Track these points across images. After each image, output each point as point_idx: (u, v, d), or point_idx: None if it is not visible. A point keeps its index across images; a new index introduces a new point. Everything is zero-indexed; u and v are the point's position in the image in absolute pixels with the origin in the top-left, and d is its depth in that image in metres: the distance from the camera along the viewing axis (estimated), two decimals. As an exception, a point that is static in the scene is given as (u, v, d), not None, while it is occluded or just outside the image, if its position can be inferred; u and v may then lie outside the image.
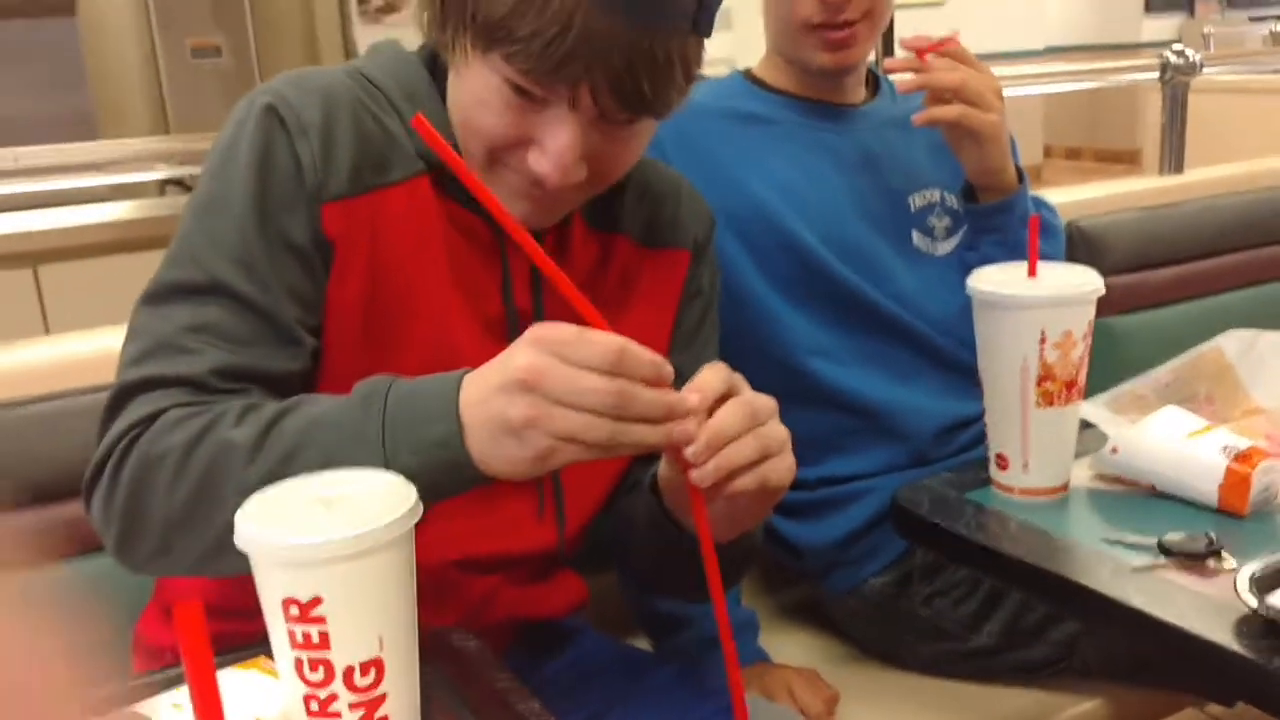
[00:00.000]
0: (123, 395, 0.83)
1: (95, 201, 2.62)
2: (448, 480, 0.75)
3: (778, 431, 0.79)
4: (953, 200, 1.37)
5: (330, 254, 0.88)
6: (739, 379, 0.78)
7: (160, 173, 1.81)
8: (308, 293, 0.88)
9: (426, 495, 0.70)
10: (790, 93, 1.37)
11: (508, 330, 0.96)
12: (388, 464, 0.74)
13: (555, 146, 0.86)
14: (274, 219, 0.86)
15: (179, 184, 2.78)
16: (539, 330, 0.72)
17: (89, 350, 1.18)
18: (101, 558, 1.15)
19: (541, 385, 0.70)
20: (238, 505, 0.75)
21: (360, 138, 0.89)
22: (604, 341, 0.71)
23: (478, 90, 0.86)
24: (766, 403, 0.79)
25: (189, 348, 0.83)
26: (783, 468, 0.79)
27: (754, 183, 1.31)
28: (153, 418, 0.81)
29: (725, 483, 0.76)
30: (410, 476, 0.72)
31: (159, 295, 0.85)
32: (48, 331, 2.66)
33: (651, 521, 0.94)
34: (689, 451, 0.75)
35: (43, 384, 1.14)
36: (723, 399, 0.77)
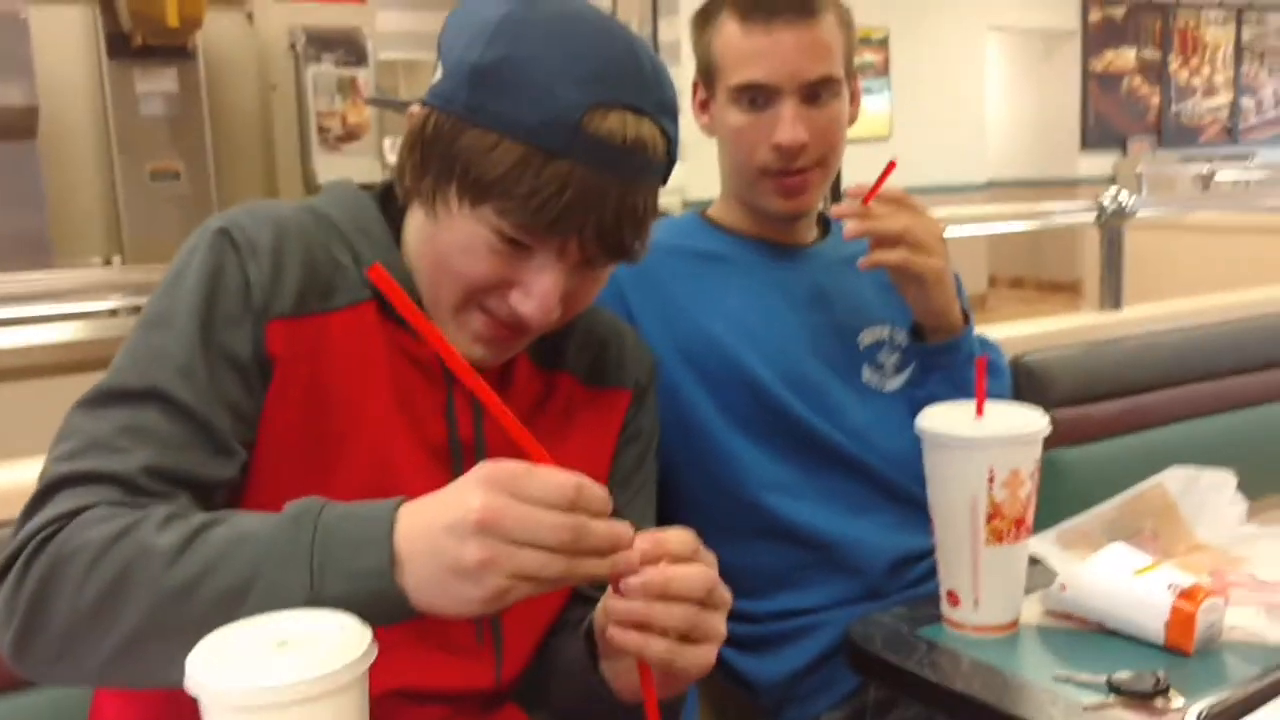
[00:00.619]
0: (48, 490, 0.82)
1: (43, 323, 2.60)
2: (376, 611, 0.73)
3: (717, 625, 0.80)
4: (901, 337, 1.41)
5: (270, 371, 0.90)
6: (711, 559, 0.80)
7: (113, 302, 1.80)
8: (245, 407, 0.89)
9: None
10: (744, 233, 1.41)
11: (450, 458, 0.97)
12: (313, 588, 0.74)
13: (540, 290, 0.90)
14: (218, 332, 0.88)
15: (134, 308, 2.77)
16: (488, 469, 0.73)
17: (32, 478, 1.16)
18: (30, 696, 1.12)
19: (498, 526, 0.71)
20: (148, 611, 0.74)
21: (308, 264, 0.92)
22: (560, 479, 0.72)
23: (461, 239, 0.90)
24: (724, 596, 0.80)
25: (121, 446, 0.83)
26: (699, 658, 0.79)
27: (709, 319, 1.34)
28: (74, 514, 0.79)
29: (637, 631, 0.77)
30: (337, 603, 0.72)
31: (95, 400, 0.86)
32: (-11, 454, 2.61)
33: (579, 666, 0.94)
34: (624, 583, 0.76)
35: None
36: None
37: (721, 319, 1.34)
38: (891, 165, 1.30)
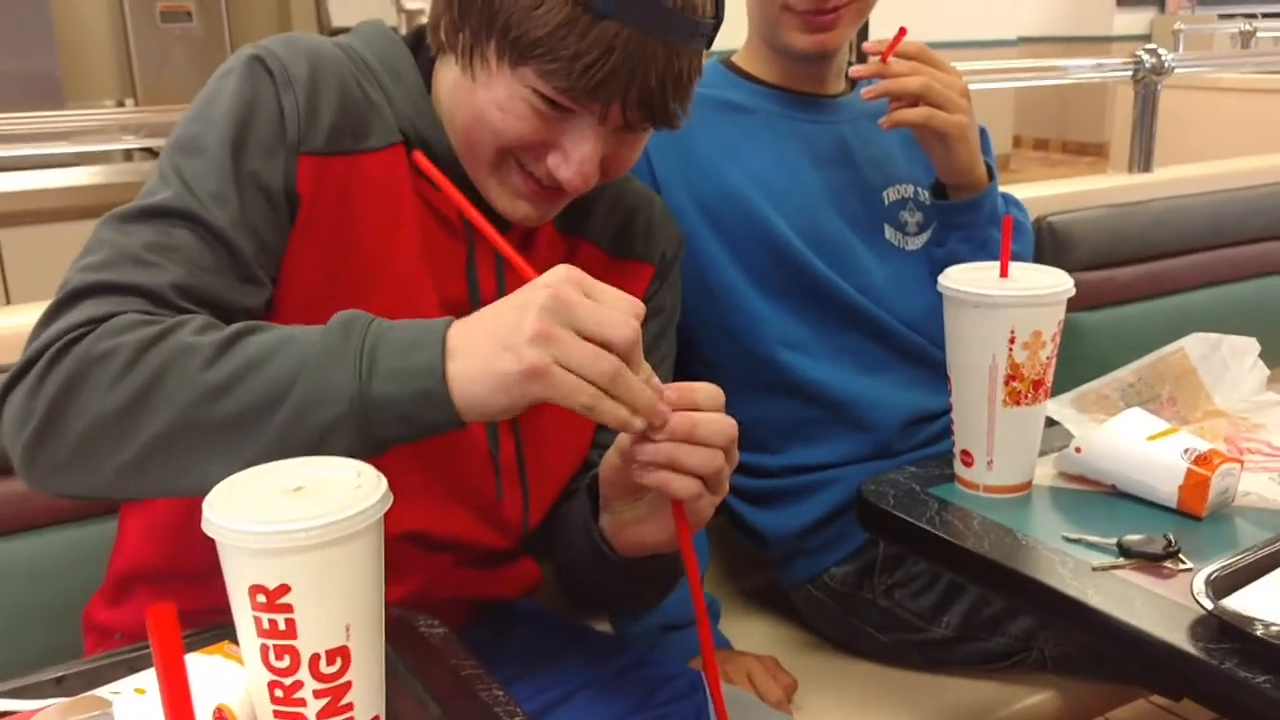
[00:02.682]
0: (72, 296, 0.79)
1: (59, 167, 2.58)
2: (420, 415, 0.74)
3: (727, 474, 0.80)
4: (925, 196, 1.38)
5: (297, 208, 0.88)
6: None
7: (127, 144, 1.78)
8: (270, 239, 0.87)
9: (397, 427, 0.72)
10: (769, 82, 1.37)
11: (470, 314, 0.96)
12: (360, 387, 0.73)
13: (579, 155, 0.89)
14: (249, 159, 0.86)
15: (147, 150, 2.75)
16: (565, 268, 0.74)
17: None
18: (50, 534, 1.14)
19: (565, 307, 0.71)
20: (181, 409, 0.74)
21: (343, 100, 0.90)
22: (630, 296, 0.73)
23: (499, 98, 0.88)
24: (736, 454, 0.81)
25: (151, 261, 0.81)
26: (707, 506, 0.81)
27: (730, 172, 1.31)
28: (103, 319, 0.77)
29: (658, 470, 0.78)
30: (382, 405, 0.72)
31: (125, 216, 0.84)
32: (8, 298, 2.63)
33: (582, 521, 0.95)
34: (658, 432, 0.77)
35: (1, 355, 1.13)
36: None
37: (743, 173, 1.31)
38: (902, 31, 1.26)
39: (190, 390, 0.74)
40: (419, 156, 0.89)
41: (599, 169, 0.91)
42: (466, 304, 0.96)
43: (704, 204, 1.30)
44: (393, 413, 0.73)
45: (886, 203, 1.38)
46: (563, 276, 0.73)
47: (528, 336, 0.70)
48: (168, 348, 0.75)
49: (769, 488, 1.38)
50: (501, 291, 0.97)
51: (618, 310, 0.72)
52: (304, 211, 0.88)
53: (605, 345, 0.71)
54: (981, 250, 1.29)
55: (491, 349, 0.72)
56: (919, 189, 1.38)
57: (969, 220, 1.31)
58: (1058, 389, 1.21)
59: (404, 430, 0.75)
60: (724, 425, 0.78)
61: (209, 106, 0.88)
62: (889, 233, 1.37)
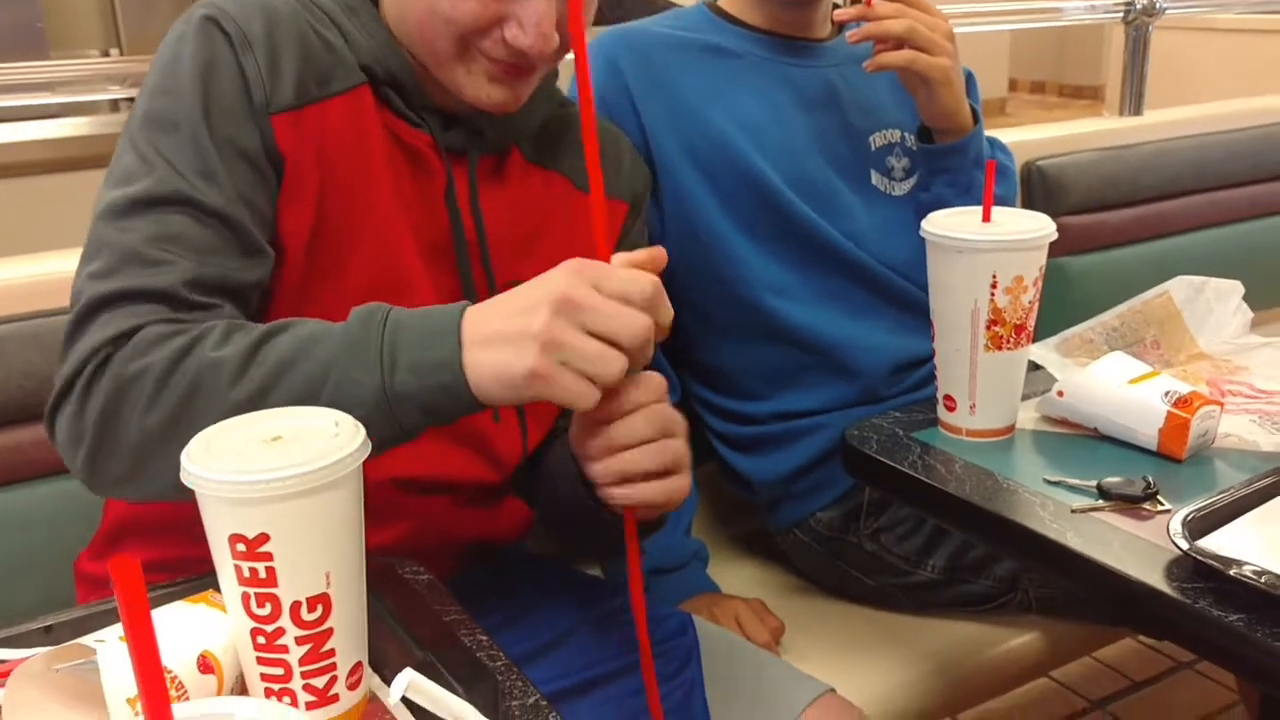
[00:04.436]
0: (90, 310, 0.80)
1: (44, 118, 2.56)
2: (443, 402, 0.75)
3: (679, 449, 0.83)
4: (912, 141, 1.37)
5: (282, 168, 0.88)
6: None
7: (113, 94, 1.77)
8: (261, 204, 0.87)
9: (422, 417, 0.74)
10: (756, 26, 1.36)
11: (454, 248, 0.96)
12: (384, 382, 0.75)
13: (532, 17, 0.89)
14: (224, 129, 0.85)
15: (132, 101, 2.72)
16: (575, 262, 0.74)
17: (31, 275, 1.16)
18: (42, 485, 1.15)
19: (575, 309, 0.72)
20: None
21: (303, 49, 0.89)
22: (644, 277, 0.74)
23: None
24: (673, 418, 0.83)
25: (157, 259, 0.81)
26: (673, 488, 0.83)
27: (717, 117, 1.30)
28: (128, 334, 0.78)
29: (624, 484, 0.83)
30: (407, 396, 0.74)
31: (117, 210, 0.83)
32: (-4, 250, 2.61)
33: (567, 476, 0.95)
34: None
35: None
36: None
37: (729, 118, 1.30)
38: None
39: (221, 409, 0.75)
40: None
41: (556, 34, 0.91)
42: (449, 241, 0.96)
43: (690, 149, 1.29)
44: (416, 404, 0.75)
45: (873, 148, 1.37)
46: (573, 273, 0.73)
47: (534, 340, 0.72)
48: (194, 365, 0.76)
49: (755, 434, 1.39)
50: (478, 221, 0.98)
51: (627, 306, 0.73)
52: (290, 170, 0.88)
53: (614, 344, 0.73)
54: (966, 194, 1.28)
55: (500, 347, 0.73)
56: (906, 134, 1.38)
57: (954, 164, 1.30)
58: (1046, 333, 1.21)
59: (430, 419, 0.76)
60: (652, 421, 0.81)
61: (171, 76, 0.86)
62: (875, 178, 1.37)
